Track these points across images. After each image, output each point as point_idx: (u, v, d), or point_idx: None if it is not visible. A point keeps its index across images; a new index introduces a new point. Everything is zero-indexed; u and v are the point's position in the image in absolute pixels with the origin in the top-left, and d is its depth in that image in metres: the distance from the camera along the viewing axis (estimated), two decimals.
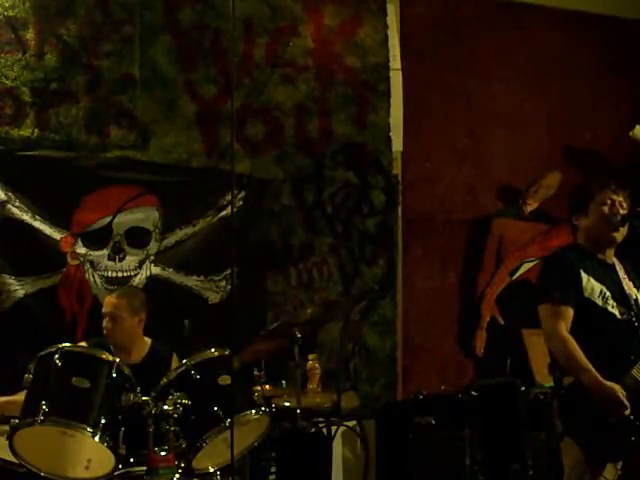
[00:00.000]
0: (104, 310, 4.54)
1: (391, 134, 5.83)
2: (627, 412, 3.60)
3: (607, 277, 3.85)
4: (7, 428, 3.59)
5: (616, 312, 3.80)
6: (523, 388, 5.19)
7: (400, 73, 5.89)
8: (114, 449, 3.60)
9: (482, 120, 6.28)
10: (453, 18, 6.24)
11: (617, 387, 3.61)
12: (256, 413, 3.88)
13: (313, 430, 4.83)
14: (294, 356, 4.46)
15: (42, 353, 3.70)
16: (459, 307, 6.19)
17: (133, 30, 5.26)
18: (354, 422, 5.32)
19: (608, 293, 3.80)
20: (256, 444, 4.01)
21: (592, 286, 3.80)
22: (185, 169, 5.35)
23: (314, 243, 5.66)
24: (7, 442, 3.57)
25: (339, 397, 4.74)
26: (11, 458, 3.66)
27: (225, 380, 3.83)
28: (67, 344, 3.78)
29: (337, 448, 5.20)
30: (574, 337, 3.71)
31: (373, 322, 5.75)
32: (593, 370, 3.63)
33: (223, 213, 5.32)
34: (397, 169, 5.91)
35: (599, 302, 3.79)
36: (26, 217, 4.97)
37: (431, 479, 5.01)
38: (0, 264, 4.90)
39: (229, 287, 5.28)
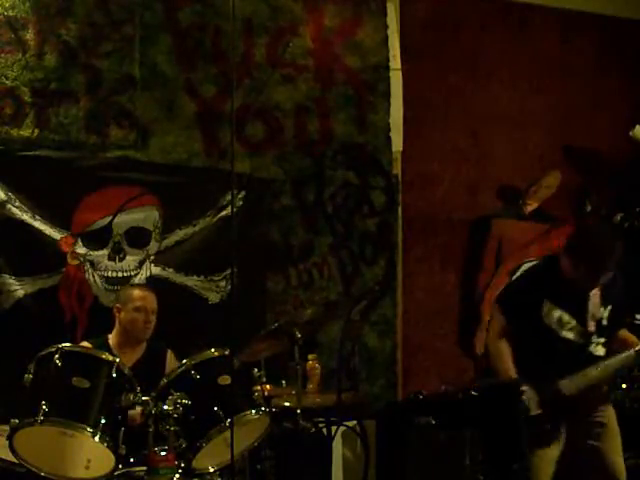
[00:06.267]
0: (144, 303, 4.53)
1: (391, 134, 5.84)
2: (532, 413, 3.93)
3: (573, 298, 4.01)
4: (7, 428, 3.59)
5: (570, 335, 4.01)
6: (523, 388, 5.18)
7: (400, 73, 5.89)
8: (114, 449, 3.60)
9: (482, 120, 6.28)
10: (453, 18, 6.24)
11: (528, 390, 3.93)
12: (256, 413, 3.87)
13: (313, 430, 4.83)
14: (294, 356, 4.45)
15: (42, 353, 3.68)
16: (459, 307, 6.19)
17: (133, 30, 5.27)
18: (354, 422, 5.32)
19: (567, 317, 4.01)
20: (256, 444, 4.01)
21: (552, 313, 4.01)
22: (185, 169, 5.36)
23: (314, 243, 5.66)
24: (7, 442, 3.57)
25: (339, 397, 4.74)
26: (11, 458, 3.66)
27: (225, 380, 3.83)
28: (67, 344, 3.76)
29: (337, 448, 5.20)
30: (528, 354, 4.03)
31: (373, 322, 5.75)
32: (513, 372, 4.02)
33: (223, 213, 5.32)
34: (397, 169, 5.91)
35: (555, 327, 4.01)
36: (26, 217, 4.97)
37: (431, 479, 5.00)
38: (0, 264, 4.90)
39: (229, 287, 5.28)
